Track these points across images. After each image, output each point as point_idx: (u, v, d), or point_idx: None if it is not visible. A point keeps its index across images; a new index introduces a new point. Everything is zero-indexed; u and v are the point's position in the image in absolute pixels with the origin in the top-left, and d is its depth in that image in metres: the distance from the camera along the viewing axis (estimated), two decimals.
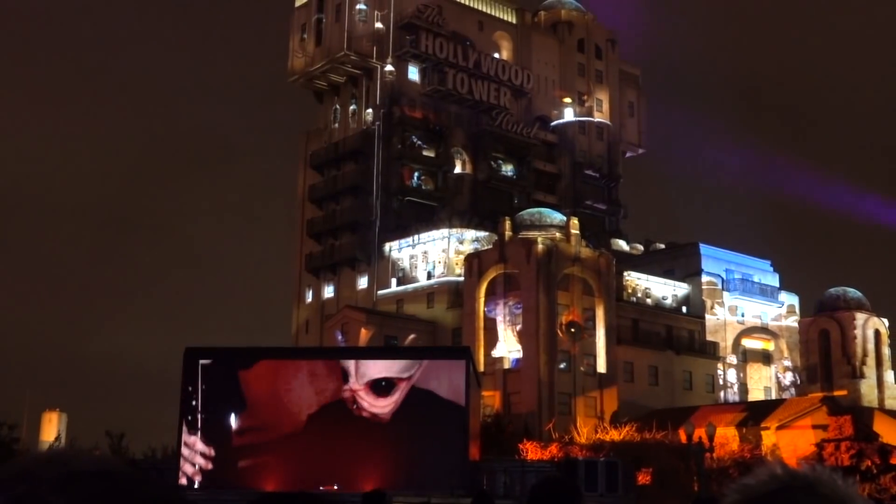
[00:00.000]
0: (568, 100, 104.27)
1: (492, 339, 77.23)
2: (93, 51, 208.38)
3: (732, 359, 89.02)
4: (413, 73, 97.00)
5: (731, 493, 1.69)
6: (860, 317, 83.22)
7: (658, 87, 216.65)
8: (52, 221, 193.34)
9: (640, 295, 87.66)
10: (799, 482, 1.63)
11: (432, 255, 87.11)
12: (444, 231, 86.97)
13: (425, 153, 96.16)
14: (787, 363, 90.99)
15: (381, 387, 40.75)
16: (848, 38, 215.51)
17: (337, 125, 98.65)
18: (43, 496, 1.34)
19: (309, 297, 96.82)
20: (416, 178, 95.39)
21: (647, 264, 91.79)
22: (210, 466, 40.90)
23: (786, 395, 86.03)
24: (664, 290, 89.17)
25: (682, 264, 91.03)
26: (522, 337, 75.84)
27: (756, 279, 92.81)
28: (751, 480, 1.68)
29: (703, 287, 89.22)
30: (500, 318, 77.42)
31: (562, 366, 75.50)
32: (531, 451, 59.97)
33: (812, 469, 1.65)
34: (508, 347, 76.72)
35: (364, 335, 79.34)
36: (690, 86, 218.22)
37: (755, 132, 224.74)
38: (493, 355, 76.45)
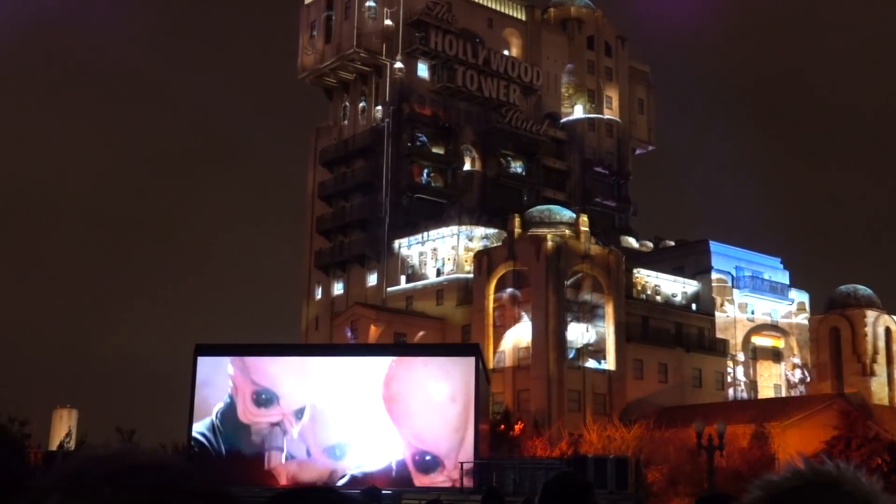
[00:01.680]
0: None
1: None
2: (99, 49, 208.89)
3: (742, 356, 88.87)
4: (422, 70, 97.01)
5: (754, 490, 1.68)
6: (871, 314, 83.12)
7: (668, 85, 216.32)
8: (64, 220, 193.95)
9: (649, 292, 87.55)
10: (823, 479, 1.63)
11: (442, 252, 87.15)
12: (454, 228, 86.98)
13: (435, 150, 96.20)
14: (796, 360, 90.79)
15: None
16: (855, 33, 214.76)
17: (346, 122, 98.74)
18: (95, 488, 1.40)
19: (318, 294, 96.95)
20: (425, 175, 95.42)
21: (656, 261, 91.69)
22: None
23: (794, 393, 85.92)
24: (674, 287, 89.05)
25: (691, 261, 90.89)
26: (532, 334, 75.82)
27: (766, 276, 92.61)
28: (774, 477, 1.67)
29: (713, 284, 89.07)
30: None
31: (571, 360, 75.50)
32: (540, 448, 59.98)
33: (836, 466, 1.65)
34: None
35: (373, 332, 79.44)
36: (700, 82, 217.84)
37: (765, 128, 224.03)
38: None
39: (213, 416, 41.82)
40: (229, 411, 41.84)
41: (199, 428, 41.88)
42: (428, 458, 40.47)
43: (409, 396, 41.34)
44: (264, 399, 42.04)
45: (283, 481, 40.22)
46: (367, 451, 40.72)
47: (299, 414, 41.72)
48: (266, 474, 40.62)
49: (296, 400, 41.79)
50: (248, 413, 41.78)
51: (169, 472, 1.44)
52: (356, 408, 41.18)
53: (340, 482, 39.12)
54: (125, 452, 1.46)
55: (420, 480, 39.86)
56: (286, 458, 41.34)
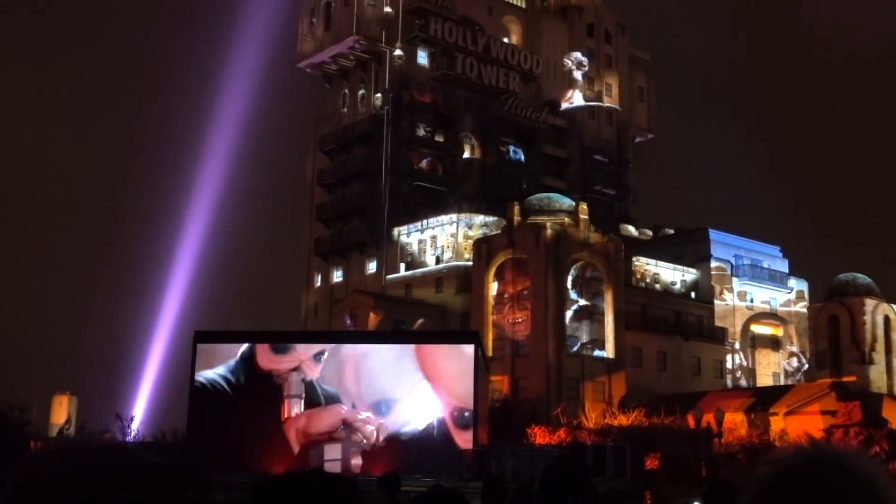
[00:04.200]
0: (573, 62, 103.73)
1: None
2: (97, 40, 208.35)
3: (740, 344, 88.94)
4: (422, 58, 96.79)
5: (762, 466, 1.74)
6: (870, 303, 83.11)
7: (668, 73, 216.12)
8: (65, 206, 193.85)
9: (648, 280, 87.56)
10: (827, 457, 1.68)
11: (441, 239, 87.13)
12: (453, 216, 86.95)
13: (435, 138, 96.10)
14: (793, 348, 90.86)
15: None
16: (854, 23, 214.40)
17: (346, 110, 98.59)
18: (48, 469, 1.45)
19: (318, 282, 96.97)
20: (424, 162, 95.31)
21: (656, 250, 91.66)
22: None
23: (792, 381, 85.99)
24: (673, 275, 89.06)
25: (691, 250, 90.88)
26: (531, 322, 75.84)
27: (765, 265, 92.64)
28: (781, 454, 1.74)
29: (712, 273, 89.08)
30: None
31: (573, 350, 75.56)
32: (539, 436, 60.05)
33: (841, 446, 1.71)
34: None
35: (373, 319, 79.50)
36: (700, 70, 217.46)
37: (765, 116, 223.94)
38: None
39: (235, 359, 42.56)
40: (250, 358, 42.40)
41: (219, 371, 42.52)
42: (466, 414, 40.96)
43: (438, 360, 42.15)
44: (282, 347, 43.13)
45: (292, 434, 41.20)
46: (404, 407, 41.47)
47: (318, 357, 42.37)
48: (282, 423, 41.73)
49: (314, 347, 42.98)
50: (266, 360, 42.57)
51: (122, 452, 1.48)
52: (385, 363, 42.12)
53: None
54: (82, 439, 1.54)
55: (460, 438, 40.53)
56: (304, 406, 42.08)
